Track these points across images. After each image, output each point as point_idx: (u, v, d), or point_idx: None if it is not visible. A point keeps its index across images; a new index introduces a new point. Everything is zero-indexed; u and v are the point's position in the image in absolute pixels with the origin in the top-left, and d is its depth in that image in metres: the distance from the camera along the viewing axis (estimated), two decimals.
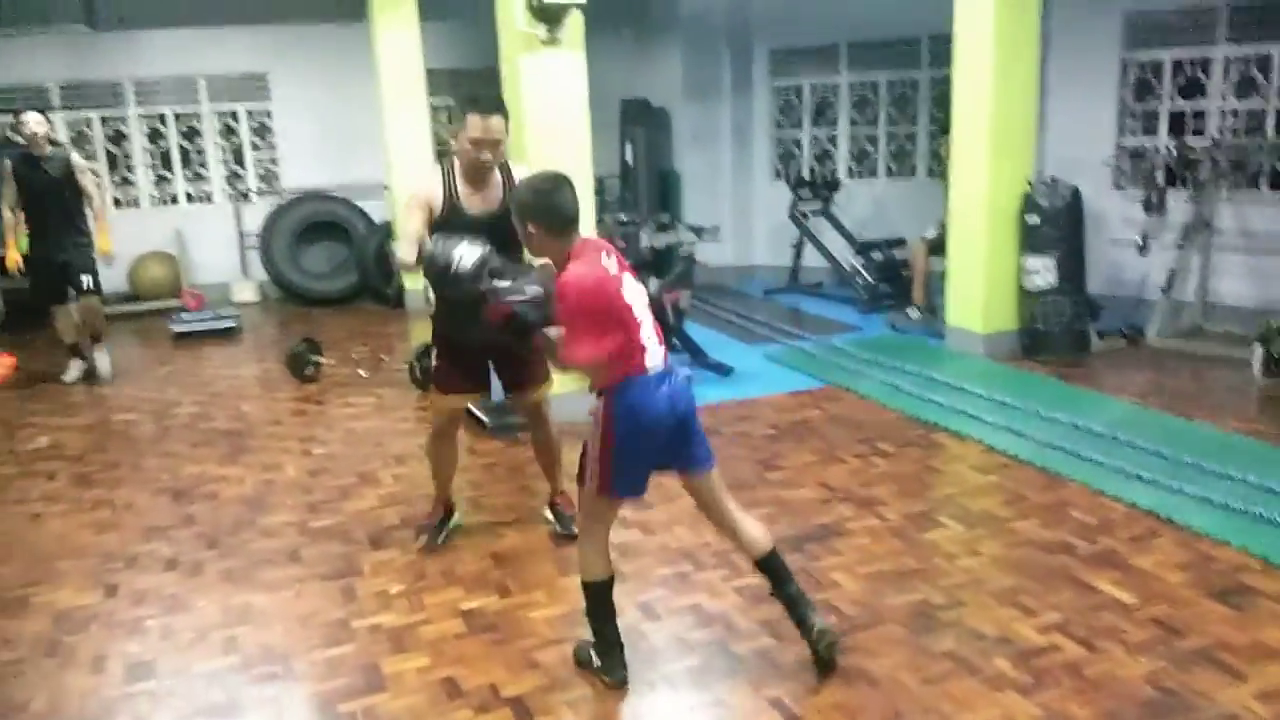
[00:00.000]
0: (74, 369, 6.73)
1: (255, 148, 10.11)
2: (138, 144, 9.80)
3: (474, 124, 3.39)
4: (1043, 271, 6.19)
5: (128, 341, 8.21)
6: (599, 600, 2.93)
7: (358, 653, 3.13)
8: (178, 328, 8.13)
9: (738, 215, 9.64)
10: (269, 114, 10.01)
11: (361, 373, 6.68)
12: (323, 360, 6.72)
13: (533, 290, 2.84)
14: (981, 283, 6.36)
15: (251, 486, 4.66)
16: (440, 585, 3.57)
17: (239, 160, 10.09)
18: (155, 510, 4.41)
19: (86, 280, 6.50)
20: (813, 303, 8.46)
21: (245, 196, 9.96)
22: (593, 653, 2.96)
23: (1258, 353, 5.46)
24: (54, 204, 6.31)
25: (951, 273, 6.61)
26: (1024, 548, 3.70)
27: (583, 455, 2.84)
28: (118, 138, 9.78)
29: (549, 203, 2.75)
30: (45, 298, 6.64)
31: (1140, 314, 6.79)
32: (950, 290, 6.63)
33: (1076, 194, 6.25)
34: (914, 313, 7.40)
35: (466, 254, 3.04)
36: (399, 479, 4.68)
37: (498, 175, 3.55)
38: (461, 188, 3.53)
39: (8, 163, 6.27)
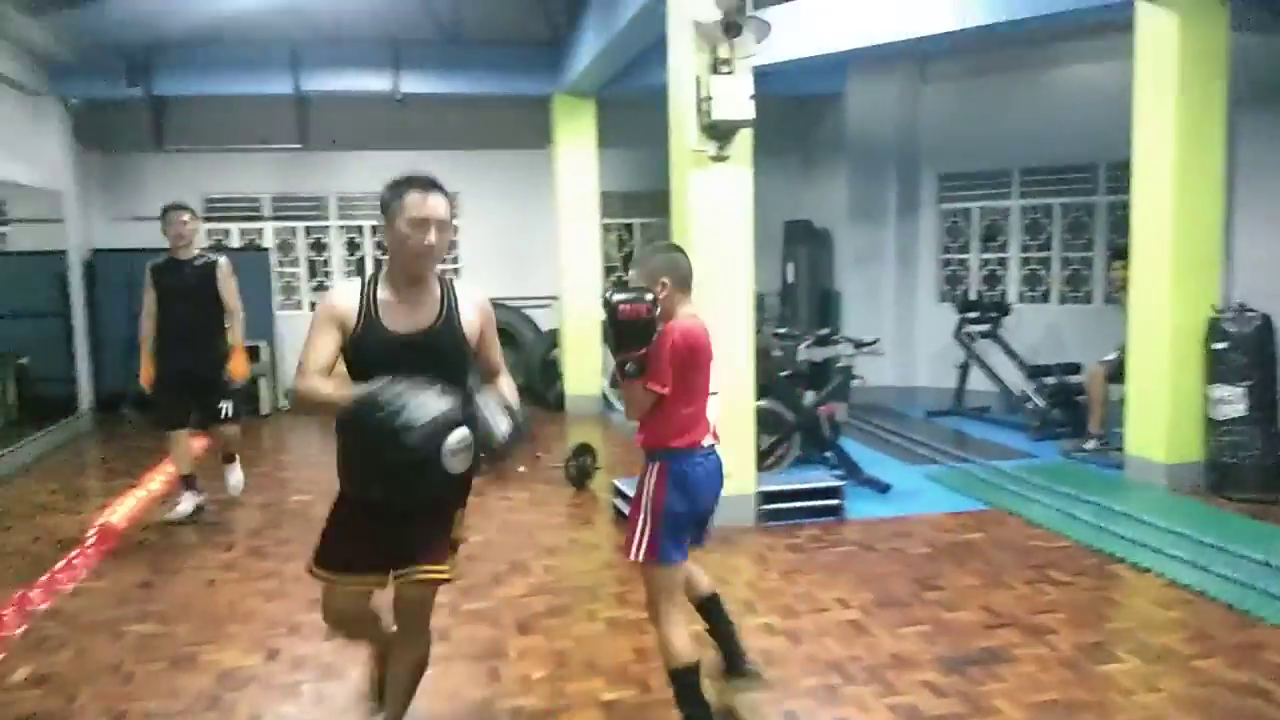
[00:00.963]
0: (185, 502, 5.72)
1: (441, 260, 10.77)
2: (336, 253, 10.63)
3: (413, 202, 2.61)
4: (1232, 400, 5.80)
5: (310, 432, 8.74)
6: (688, 686, 2.87)
7: None
8: None
9: (900, 336, 9.52)
10: (456, 229, 10.70)
11: (520, 469, 6.87)
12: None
13: (502, 426, 2.49)
14: (1164, 411, 6.00)
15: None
16: (582, 675, 3.55)
17: None
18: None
19: (226, 408, 5.70)
20: (978, 427, 8.18)
21: None
22: None
23: None
24: (188, 313, 5.48)
25: (1131, 399, 6.27)
26: (1210, 687, 3.37)
27: (630, 525, 2.92)
28: (319, 246, 10.64)
29: (678, 258, 3.02)
30: (165, 419, 5.70)
31: None
32: (1130, 418, 6.28)
33: (1268, 322, 5.87)
34: (1090, 441, 7.03)
35: (425, 408, 2.38)
36: (549, 570, 4.74)
37: (435, 286, 2.74)
38: (384, 297, 2.66)
39: (148, 267, 5.56)
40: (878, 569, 4.71)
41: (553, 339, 9.87)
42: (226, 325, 5.62)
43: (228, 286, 5.57)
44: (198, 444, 5.89)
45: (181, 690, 3.50)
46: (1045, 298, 9.09)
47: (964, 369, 8.72)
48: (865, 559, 4.88)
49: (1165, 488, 5.90)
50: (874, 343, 6.77)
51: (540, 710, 3.29)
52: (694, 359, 2.86)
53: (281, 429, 8.99)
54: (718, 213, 5.39)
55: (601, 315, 2.85)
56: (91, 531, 5.46)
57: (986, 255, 9.45)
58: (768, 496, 5.47)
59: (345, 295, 2.66)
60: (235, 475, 6.07)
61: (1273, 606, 4.03)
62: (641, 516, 2.87)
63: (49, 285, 9.04)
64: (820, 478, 5.80)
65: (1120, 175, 7.05)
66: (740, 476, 5.39)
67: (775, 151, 9.44)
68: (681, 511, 2.86)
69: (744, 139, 5.40)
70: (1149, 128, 5.97)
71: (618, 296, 2.76)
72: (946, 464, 6.85)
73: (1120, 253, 6.86)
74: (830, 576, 4.58)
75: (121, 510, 5.92)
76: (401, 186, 2.64)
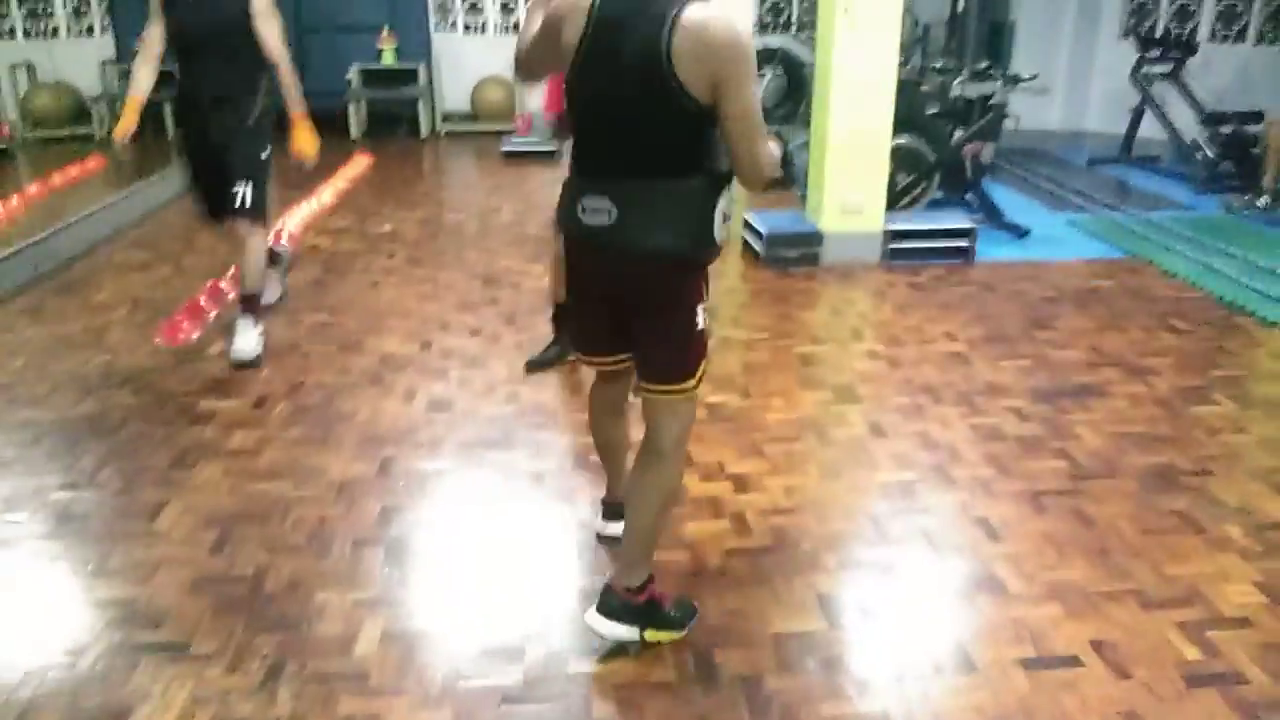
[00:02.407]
0: (270, 289, 4.56)
1: None
2: None
3: None
4: None
5: (465, 156, 9.14)
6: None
7: None
8: (507, 148, 8.90)
9: (1074, 75, 8.93)
10: None
11: None
12: None
13: None
14: None
15: (548, 282, 5.21)
16: None
17: None
18: (469, 290, 5.08)
19: (241, 191, 3.96)
20: (1142, 176, 7.78)
21: None
22: None
23: None
24: (213, 59, 3.90)
25: None
26: None
27: None
28: None
29: None
30: (202, 203, 4.15)
31: None
32: None
33: None
34: (1261, 197, 6.63)
35: None
36: None
37: None
38: None
39: None
40: (994, 309, 4.81)
41: None
42: (269, 79, 4.07)
43: (271, 24, 3.93)
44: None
45: (349, 368, 4.07)
46: (1240, 36, 8.26)
47: (1137, 113, 8.15)
48: (984, 299, 4.96)
49: None
50: (1032, 78, 6.41)
51: None
52: None
53: (439, 152, 9.40)
54: None
55: None
56: (269, 235, 6.06)
57: None
58: (896, 235, 5.51)
59: None
60: (246, 337, 4.11)
61: None
62: None
63: None
64: (952, 218, 5.77)
65: None
66: (869, 212, 5.45)
67: None
68: None
69: None
70: None
71: None
72: (1095, 211, 6.65)
73: None
74: (943, 312, 4.72)
75: (295, 218, 6.51)
76: None
